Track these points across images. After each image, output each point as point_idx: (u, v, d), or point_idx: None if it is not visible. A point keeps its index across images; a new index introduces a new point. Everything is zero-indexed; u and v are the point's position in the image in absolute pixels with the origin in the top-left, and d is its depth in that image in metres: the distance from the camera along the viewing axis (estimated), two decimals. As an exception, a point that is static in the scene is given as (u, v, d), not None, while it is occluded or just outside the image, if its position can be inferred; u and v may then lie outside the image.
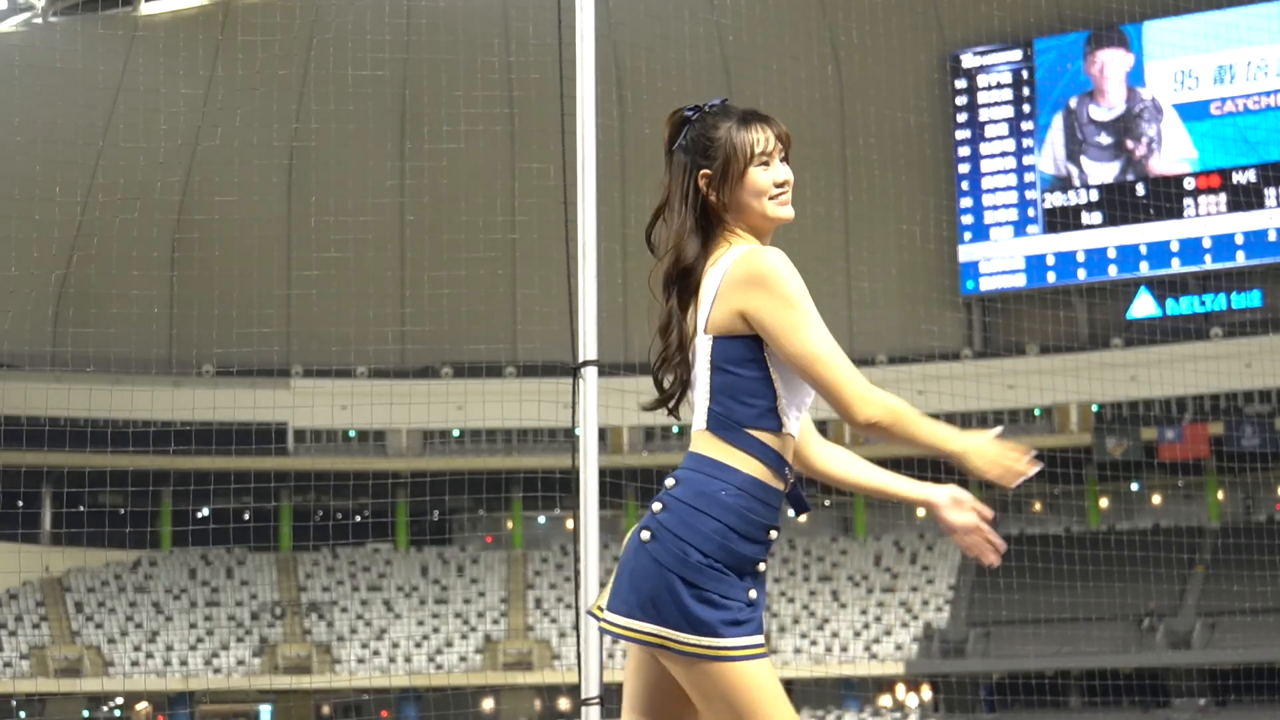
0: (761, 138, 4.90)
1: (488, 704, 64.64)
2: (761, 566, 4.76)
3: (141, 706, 63.00)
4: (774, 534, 4.77)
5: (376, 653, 64.12)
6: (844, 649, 63.00)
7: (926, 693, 62.96)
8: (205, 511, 66.44)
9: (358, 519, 68.95)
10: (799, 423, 4.84)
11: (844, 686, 63.19)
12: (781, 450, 4.79)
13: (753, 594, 4.73)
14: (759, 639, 4.73)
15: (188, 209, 65.50)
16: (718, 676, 4.71)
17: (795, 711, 4.78)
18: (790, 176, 4.95)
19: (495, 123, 56.24)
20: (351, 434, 69.24)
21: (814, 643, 63.40)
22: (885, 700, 63.56)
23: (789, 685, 63.48)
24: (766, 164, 4.88)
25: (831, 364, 4.64)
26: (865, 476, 5.06)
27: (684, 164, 4.93)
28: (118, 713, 64.21)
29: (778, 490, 4.81)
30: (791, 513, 4.98)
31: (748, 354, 4.76)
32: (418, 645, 64.58)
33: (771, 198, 4.89)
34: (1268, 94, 64.72)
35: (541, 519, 71.60)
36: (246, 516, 67.05)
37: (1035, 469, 4.63)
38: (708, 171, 4.90)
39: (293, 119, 63.14)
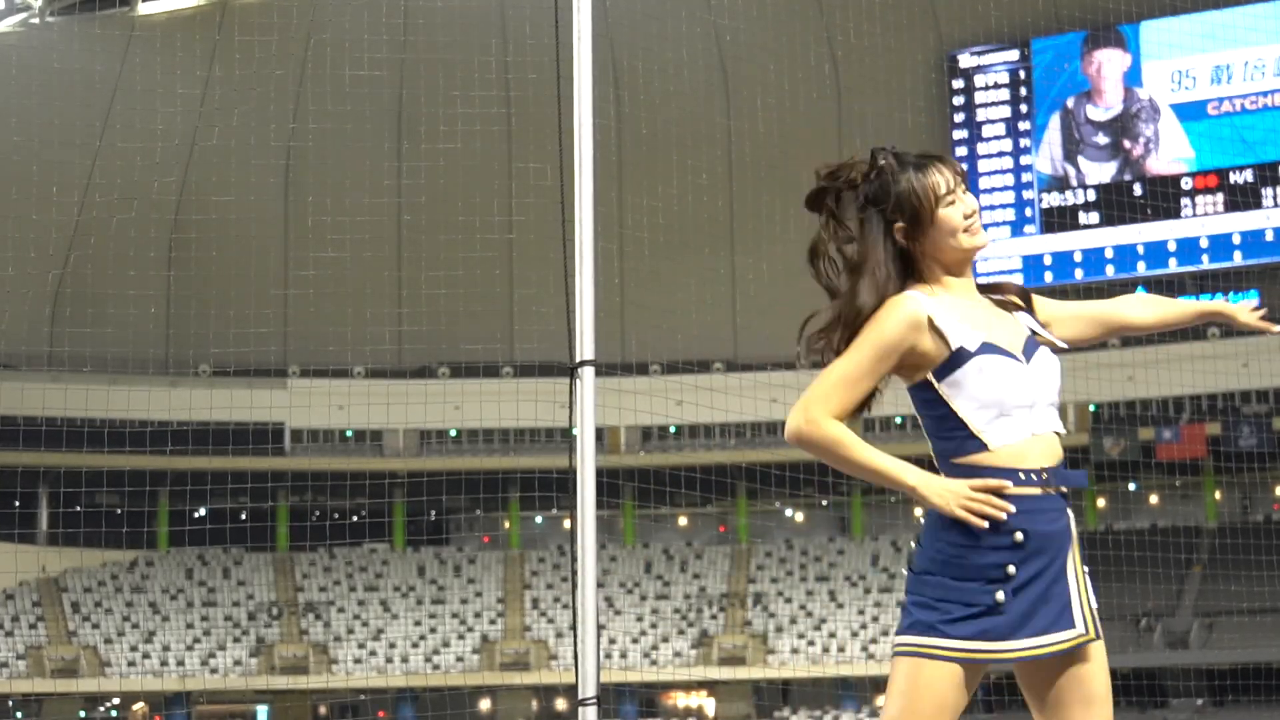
0: (941, 180, 5.03)
1: (485, 704, 64.61)
2: (1011, 570, 4.90)
3: (138, 707, 63.04)
4: (1020, 535, 4.90)
5: (373, 653, 64.09)
6: (841, 649, 62.99)
7: (924, 693, 62.88)
8: (202, 511, 66.38)
9: (355, 519, 68.93)
10: (1027, 425, 4.99)
11: (841, 687, 63.16)
12: (1008, 463, 4.95)
13: (1000, 595, 4.89)
14: (946, 641, 4.94)
15: (185, 209, 65.48)
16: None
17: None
18: (976, 205, 5.10)
19: (492, 123, 56.23)
20: (348, 434, 69.22)
21: (811, 643, 63.40)
22: (883, 700, 63.48)
23: (786, 685, 63.52)
24: (952, 202, 5.01)
25: (817, 380, 4.96)
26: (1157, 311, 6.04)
27: (875, 221, 5.07)
28: (114, 713, 64.16)
29: (1012, 496, 4.93)
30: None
31: (924, 395, 5.03)
32: (415, 645, 64.55)
33: (965, 230, 5.05)
34: (1265, 94, 64.73)
35: (539, 519, 71.57)
36: (243, 516, 66.97)
37: (1000, 514, 4.87)
38: (901, 225, 5.04)
39: (290, 119, 63.10)
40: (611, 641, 63.04)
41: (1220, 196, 64.76)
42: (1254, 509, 66.67)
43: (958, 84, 68.98)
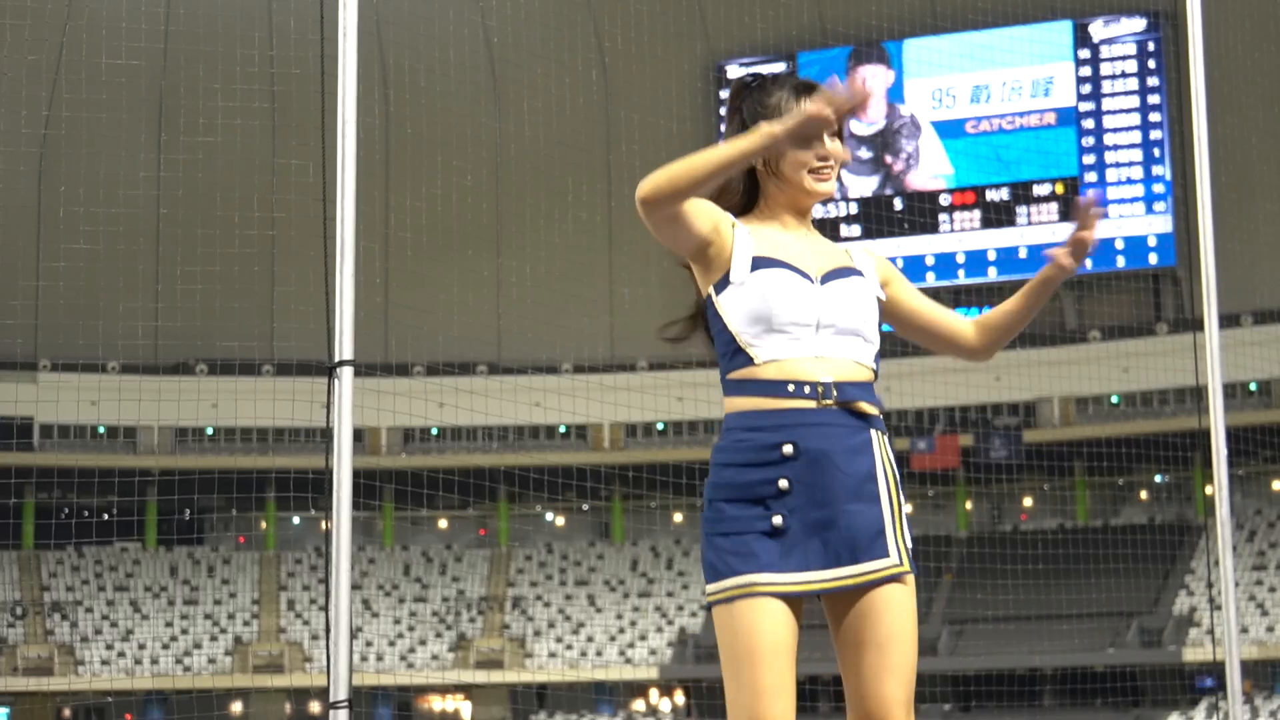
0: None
1: (236, 707, 63.62)
2: (784, 484, 4.66)
3: None
4: (789, 448, 4.66)
5: (122, 654, 62.76)
6: (599, 653, 63.18)
7: (680, 697, 63.39)
8: (-56, 508, 64.37)
9: (105, 517, 67.30)
10: (810, 345, 4.75)
11: (598, 690, 63.37)
12: (775, 375, 4.72)
13: (777, 519, 4.65)
14: (745, 579, 4.68)
15: (-68, 195, 63.45)
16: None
17: (770, 671, 4.75)
18: (843, 155, 4.84)
19: (255, 117, 55.27)
20: (100, 430, 67.70)
21: (569, 647, 63.48)
22: (639, 705, 63.86)
23: (542, 689, 63.51)
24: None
25: None
26: (997, 311, 5.12)
27: (737, 131, 4.81)
28: None
29: (780, 410, 4.70)
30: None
31: (709, 312, 4.94)
32: (165, 647, 63.36)
33: (811, 170, 4.80)
34: (1021, 114, 66.40)
35: (296, 520, 70.67)
36: (-13, 513, 65.09)
37: (863, 97, 4.57)
38: None
39: (43, 106, 61.56)
40: (368, 644, 62.50)
41: (977, 213, 66.27)
42: (1003, 519, 68.31)
43: (724, 94, 69.66)
